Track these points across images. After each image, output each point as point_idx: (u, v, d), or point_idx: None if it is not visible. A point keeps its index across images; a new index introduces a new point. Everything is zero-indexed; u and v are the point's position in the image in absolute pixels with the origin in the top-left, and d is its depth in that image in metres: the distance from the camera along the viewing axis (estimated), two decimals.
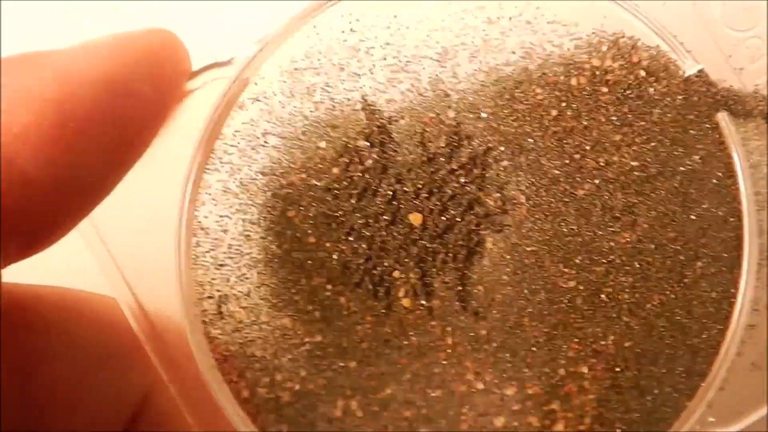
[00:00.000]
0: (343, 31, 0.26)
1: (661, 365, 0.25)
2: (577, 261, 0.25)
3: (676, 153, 0.25)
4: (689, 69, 0.25)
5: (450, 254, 0.25)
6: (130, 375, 0.27)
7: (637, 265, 0.25)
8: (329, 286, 0.25)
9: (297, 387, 0.25)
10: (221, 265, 0.26)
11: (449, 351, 0.25)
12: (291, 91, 0.26)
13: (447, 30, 0.25)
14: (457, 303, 0.25)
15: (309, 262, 0.25)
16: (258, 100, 0.26)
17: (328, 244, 0.25)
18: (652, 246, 0.25)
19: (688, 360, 0.25)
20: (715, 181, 0.25)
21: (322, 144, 0.26)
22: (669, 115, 0.25)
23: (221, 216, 0.26)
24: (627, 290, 0.25)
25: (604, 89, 0.25)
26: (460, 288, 0.25)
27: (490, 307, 0.25)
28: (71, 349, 0.26)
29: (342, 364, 0.25)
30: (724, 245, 0.25)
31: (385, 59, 0.26)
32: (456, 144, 0.25)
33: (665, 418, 0.25)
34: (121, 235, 0.26)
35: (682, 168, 0.25)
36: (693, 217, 0.25)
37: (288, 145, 0.26)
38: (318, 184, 0.25)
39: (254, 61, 0.26)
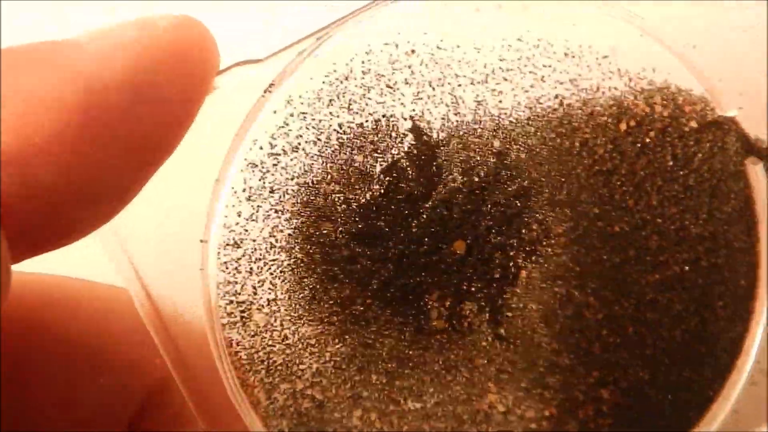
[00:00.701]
0: (386, 44, 0.25)
1: (678, 394, 0.26)
2: (607, 294, 0.25)
3: (710, 201, 0.26)
4: (728, 112, 0.26)
5: (487, 281, 0.25)
6: (138, 367, 0.27)
7: (664, 302, 0.25)
8: (360, 300, 0.25)
9: (319, 396, 0.26)
10: (249, 272, 0.25)
11: (474, 371, 0.26)
12: (330, 100, 0.25)
13: (498, 57, 0.25)
14: (489, 329, 0.25)
15: (341, 275, 0.25)
16: (293, 105, 0.25)
17: (365, 261, 0.25)
18: (681, 287, 0.26)
19: (702, 388, 0.26)
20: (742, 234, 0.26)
21: (359, 158, 0.25)
22: (707, 163, 0.25)
23: (247, 219, 0.25)
24: (651, 325, 0.25)
25: (651, 134, 0.25)
26: (492, 314, 0.25)
27: (519, 334, 0.25)
28: (70, 348, 0.25)
29: (364, 377, 0.26)
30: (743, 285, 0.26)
31: (431, 78, 0.25)
32: (500, 175, 0.25)
33: None
34: (139, 234, 0.25)
35: (716, 216, 0.26)
36: (719, 260, 0.26)
37: (323, 155, 0.25)
38: (354, 197, 0.25)
39: (292, 64, 0.25)
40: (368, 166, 0.26)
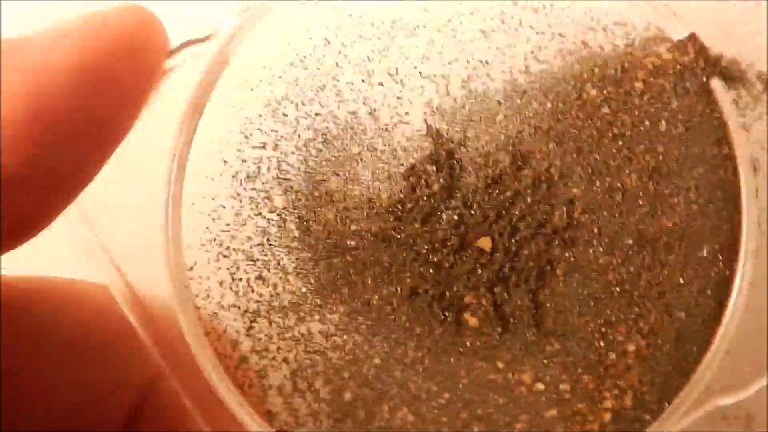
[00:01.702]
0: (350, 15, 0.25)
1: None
2: (626, 250, 0.25)
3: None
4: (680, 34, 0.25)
5: (522, 276, 0.25)
6: (130, 364, 0.27)
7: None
8: (388, 306, 0.25)
9: (348, 395, 0.25)
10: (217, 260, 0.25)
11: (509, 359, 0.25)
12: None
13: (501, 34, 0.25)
14: (532, 326, 0.25)
15: (362, 277, 0.25)
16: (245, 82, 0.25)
17: (389, 265, 0.25)
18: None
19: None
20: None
21: (377, 157, 0.25)
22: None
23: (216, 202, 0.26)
24: (659, 269, 0.25)
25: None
26: (534, 310, 0.25)
27: (562, 324, 0.25)
28: (63, 340, 0.25)
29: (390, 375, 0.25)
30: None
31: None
32: (521, 162, 0.25)
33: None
34: (108, 220, 0.25)
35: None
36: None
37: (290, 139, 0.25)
38: (373, 199, 0.25)
39: (234, 38, 0.25)
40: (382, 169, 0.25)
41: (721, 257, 0.25)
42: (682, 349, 0.25)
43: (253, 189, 0.26)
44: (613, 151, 0.25)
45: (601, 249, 0.25)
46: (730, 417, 0.29)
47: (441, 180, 0.25)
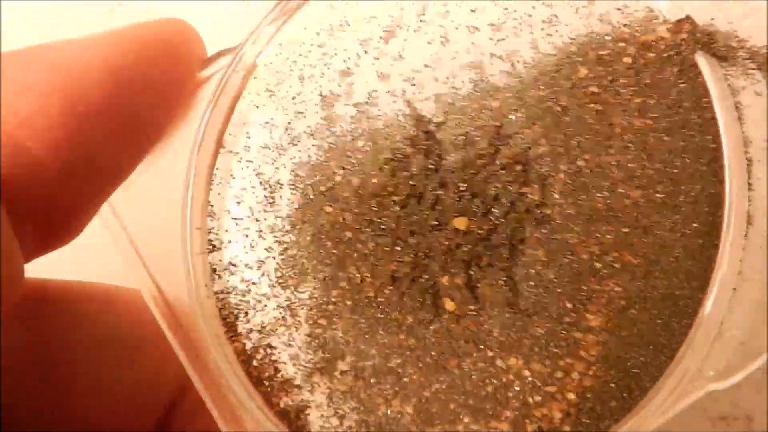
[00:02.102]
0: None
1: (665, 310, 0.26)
2: (603, 228, 0.25)
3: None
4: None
5: (495, 255, 0.25)
6: (164, 364, 0.27)
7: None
8: (370, 286, 0.25)
9: (340, 388, 0.26)
10: (252, 258, 0.26)
11: (494, 345, 0.25)
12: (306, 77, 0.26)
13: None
14: (506, 305, 0.25)
15: (349, 260, 0.25)
16: (268, 87, 0.26)
17: (372, 246, 0.25)
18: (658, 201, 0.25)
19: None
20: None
21: (360, 144, 0.26)
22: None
23: (239, 203, 0.26)
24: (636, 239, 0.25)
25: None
26: (507, 288, 0.25)
27: (537, 302, 0.25)
28: (101, 341, 0.26)
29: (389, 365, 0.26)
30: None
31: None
32: (499, 143, 0.25)
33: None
34: (145, 226, 0.26)
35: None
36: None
37: (321, 142, 0.26)
38: (358, 184, 0.25)
39: (253, 43, 0.26)
40: (370, 153, 0.26)
41: (703, 236, 0.25)
42: (663, 330, 0.25)
43: (271, 193, 0.26)
44: (596, 129, 0.25)
45: (576, 228, 0.25)
46: (729, 417, 0.30)
47: (421, 162, 0.25)
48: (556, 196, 0.25)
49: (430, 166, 0.25)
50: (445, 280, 0.25)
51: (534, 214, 0.25)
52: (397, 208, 0.25)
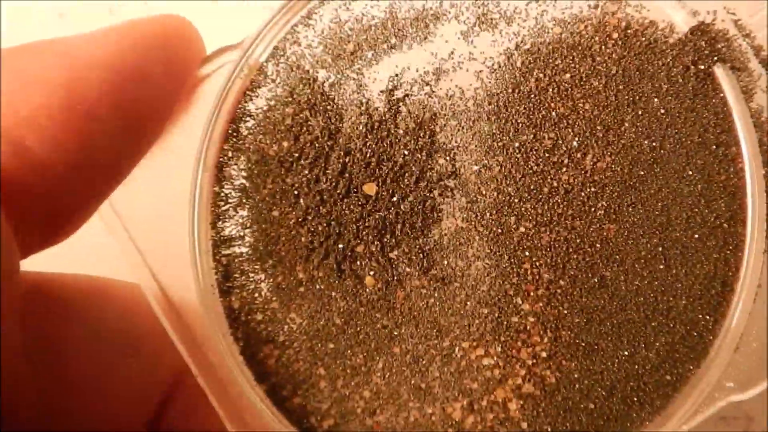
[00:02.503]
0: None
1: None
2: (539, 219, 0.25)
3: (672, 108, 0.24)
4: (690, 22, 0.25)
5: (407, 223, 0.25)
6: (160, 359, 0.27)
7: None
8: (300, 269, 0.25)
9: (298, 365, 0.26)
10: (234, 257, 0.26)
11: (416, 315, 0.25)
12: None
13: None
14: (419, 272, 0.25)
15: (271, 237, 0.26)
16: (267, 81, 0.26)
17: (283, 219, 0.25)
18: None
19: None
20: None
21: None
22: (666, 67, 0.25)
23: (220, 193, 0.26)
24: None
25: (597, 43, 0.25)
26: (421, 256, 0.25)
27: (456, 271, 0.25)
28: (97, 335, 0.26)
29: (332, 346, 0.26)
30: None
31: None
32: (398, 110, 0.25)
33: None
34: (144, 222, 0.26)
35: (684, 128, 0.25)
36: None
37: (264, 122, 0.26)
38: (271, 154, 0.25)
39: (264, 43, 0.26)
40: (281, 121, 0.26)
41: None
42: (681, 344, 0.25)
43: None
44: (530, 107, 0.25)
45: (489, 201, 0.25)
46: (729, 417, 0.30)
47: (320, 123, 0.25)
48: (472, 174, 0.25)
49: (330, 129, 0.25)
50: (360, 248, 0.25)
51: (445, 184, 0.25)
52: (306, 173, 0.25)
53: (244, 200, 0.26)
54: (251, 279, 0.26)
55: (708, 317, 0.24)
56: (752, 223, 0.24)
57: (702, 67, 0.24)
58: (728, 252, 0.24)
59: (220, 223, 0.26)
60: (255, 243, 0.26)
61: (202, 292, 0.26)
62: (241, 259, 0.26)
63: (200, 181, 0.26)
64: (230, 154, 0.26)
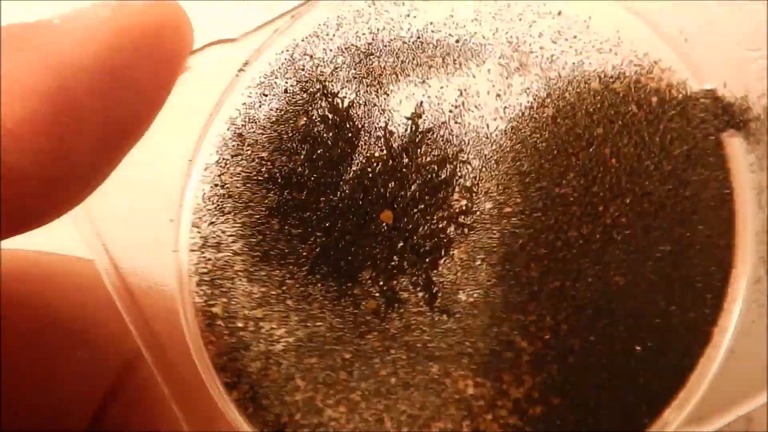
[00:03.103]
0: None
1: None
2: (548, 266, 0.25)
3: (679, 169, 0.25)
4: (699, 86, 0.25)
5: (418, 255, 0.25)
6: (109, 342, 0.27)
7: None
8: (292, 280, 0.25)
9: (275, 376, 0.25)
10: (216, 250, 0.25)
11: (414, 347, 0.25)
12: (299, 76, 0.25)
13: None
14: (424, 303, 0.25)
15: (272, 253, 0.25)
16: (265, 84, 0.25)
17: (292, 238, 0.25)
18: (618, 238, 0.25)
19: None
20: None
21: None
22: (675, 130, 0.25)
23: (219, 197, 0.25)
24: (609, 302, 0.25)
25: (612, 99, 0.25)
26: (428, 288, 0.25)
27: (457, 306, 0.25)
28: (45, 312, 0.25)
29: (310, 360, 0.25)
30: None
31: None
32: (421, 140, 0.25)
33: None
34: (111, 212, 0.25)
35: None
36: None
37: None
38: (281, 167, 0.25)
39: (266, 43, 0.25)
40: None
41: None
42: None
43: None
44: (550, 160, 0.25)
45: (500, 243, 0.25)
46: None
47: (339, 142, 0.25)
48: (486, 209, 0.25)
49: (346, 148, 0.25)
50: (366, 276, 0.25)
51: (461, 220, 0.25)
52: (319, 190, 0.25)
53: (239, 207, 0.25)
54: (236, 286, 0.25)
55: (687, 362, 0.25)
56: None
57: (721, 134, 0.25)
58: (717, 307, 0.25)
59: (207, 226, 0.25)
60: (247, 251, 0.25)
61: (179, 294, 0.25)
62: (226, 265, 0.25)
63: (189, 181, 0.25)
64: (228, 158, 0.25)
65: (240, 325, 0.25)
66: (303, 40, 0.25)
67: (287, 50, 0.25)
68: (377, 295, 0.25)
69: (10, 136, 0.18)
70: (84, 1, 0.21)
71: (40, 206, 0.20)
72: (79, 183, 0.21)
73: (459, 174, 0.25)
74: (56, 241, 0.26)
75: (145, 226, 0.25)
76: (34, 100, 0.19)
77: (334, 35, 0.25)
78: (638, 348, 0.25)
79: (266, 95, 0.25)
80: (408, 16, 0.25)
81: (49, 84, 0.19)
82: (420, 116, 0.25)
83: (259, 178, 0.25)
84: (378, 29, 0.25)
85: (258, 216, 0.25)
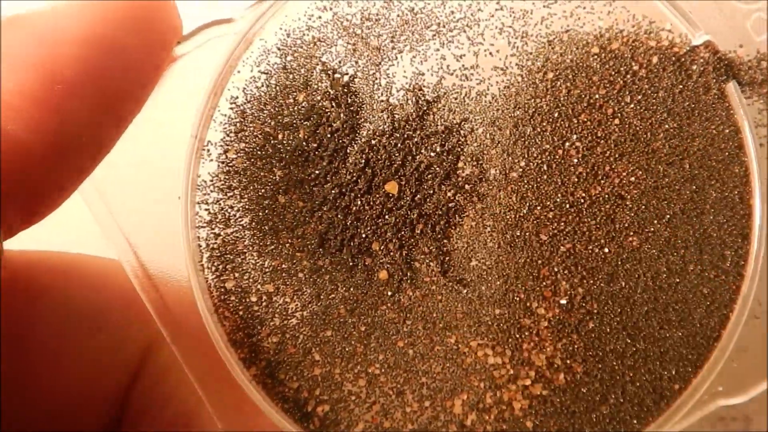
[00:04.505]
0: None
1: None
2: (559, 227, 0.25)
3: (681, 122, 0.25)
4: (696, 40, 0.25)
5: (429, 224, 0.25)
6: (127, 335, 0.27)
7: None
8: (301, 253, 0.25)
9: (292, 350, 0.25)
10: (225, 225, 0.26)
11: (430, 316, 0.25)
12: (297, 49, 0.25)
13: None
14: (436, 272, 0.25)
15: (280, 226, 0.25)
16: (264, 60, 0.25)
17: (300, 211, 0.25)
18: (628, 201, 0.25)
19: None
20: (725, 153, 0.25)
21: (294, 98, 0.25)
22: (676, 85, 0.25)
23: (224, 174, 0.26)
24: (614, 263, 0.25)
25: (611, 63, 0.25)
26: (440, 257, 0.25)
27: (473, 273, 0.25)
28: (63, 312, 0.26)
29: (329, 333, 0.25)
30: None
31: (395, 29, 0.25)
32: (426, 110, 0.25)
33: None
34: (124, 198, 0.25)
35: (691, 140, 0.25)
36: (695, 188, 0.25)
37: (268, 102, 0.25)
38: (285, 142, 0.25)
39: (261, 19, 0.25)
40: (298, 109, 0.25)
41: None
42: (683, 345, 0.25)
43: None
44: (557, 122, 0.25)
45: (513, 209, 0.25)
46: (728, 418, 0.30)
47: (342, 116, 0.25)
48: (495, 178, 0.25)
49: (351, 123, 0.25)
50: (376, 245, 0.25)
51: (470, 189, 0.25)
52: (324, 164, 0.25)
53: (245, 183, 0.25)
54: (247, 261, 0.25)
55: (713, 322, 0.25)
56: (758, 240, 0.25)
57: (721, 85, 0.25)
58: (738, 265, 0.25)
59: (214, 203, 0.26)
60: (256, 226, 0.25)
61: (192, 271, 0.25)
62: (236, 240, 0.25)
63: (194, 159, 0.25)
64: (231, 136, 0.25)
65: (253, 299, 0.25)
66: (298, 18, 0.25)
67: (282, 28, 0.25)
68: (389, 265, 0.25)
69: (6, 107, 0.19)
70: None
71: (45, 176, 0.21)
72: (79, 155, 0.22)
73: (463, 142, 0.25)
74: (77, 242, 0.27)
75: (157, 206, 0.26)
76: (27, 72, 0.20)
77: (329, 9, 0.25)
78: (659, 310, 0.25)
79: (265, 73, 0.25)
80: None
81: (40, 55, 0.20)
82: (421, 88, 0.25)
83: (264, 153, 0.25)
84: (372, 3, 0.25)
85: (264, 191, 0.25)
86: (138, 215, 0.25)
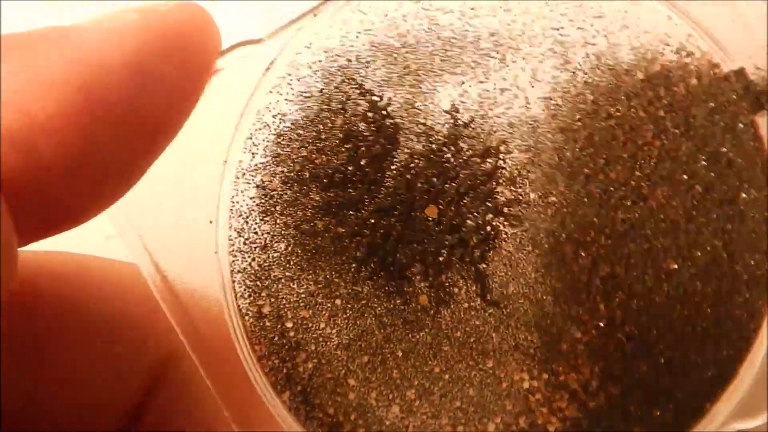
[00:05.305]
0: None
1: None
2: (599, 253, 0.25)
3: (710, 149, 0.25)
4: (727, 66, 0.25)
5: (467, 248, 0.25)
6: (149, 337, 0.27)
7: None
8: (340, 280, 0.25)
9: (329, 375, 0.25)
10: (262, 249, 0.25)
11: (467, 341, 0.25)
12: (327, 75, 0.25)
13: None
14: (476, 297, 0.25)
15: (319, 251, 0.25)
16: (292, 82, 0.25)
17: (338, 235, 0.25)
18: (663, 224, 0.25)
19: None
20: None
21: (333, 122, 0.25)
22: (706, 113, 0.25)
23: (255, 198, 0.25)
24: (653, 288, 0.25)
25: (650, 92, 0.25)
26: (479, 281, 0.25)
27: (506, 298, 0.25)
28: (80, 323, 0.26)
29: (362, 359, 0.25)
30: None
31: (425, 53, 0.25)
32: (464, 133, 0.25)
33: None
34: (151, 215, 0.25)
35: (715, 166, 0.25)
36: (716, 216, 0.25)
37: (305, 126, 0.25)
38: (323, 166, 0.25)
39: (291, 42, 0.25)
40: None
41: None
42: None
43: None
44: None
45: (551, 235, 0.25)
46: None
47: (381, 139, 0.25)
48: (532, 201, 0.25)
49: (389, 148, 0.25)
50: (415, 272, 0.25)
51: (508, 212, 0.25)
52: (362, 189, 0.25)
53: (281, 207, 0.25)
54: (284, 286, 0.25)
55: (738, 352, 0.25)
56: None
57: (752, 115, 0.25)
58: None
59: (248, 227, 0.25)
60: (291, 251, 0.25)
61: (226, 296, 0.25)
62: (272, 265, 0.25)
63: (224, 182, 0.25)
64: (267, 159, 0.25)
65: (289, 325, 0.25)
66: (334, 38, 0.25)
67: (315, 48, 0.25)
68: (427, 290, 0.25)
69: (42, 128, 0.19)
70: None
71: (71, 202, 0.21)
72: (110, 181, 0.21)
73: (502, 165, 0.25)
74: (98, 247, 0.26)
75: (186, 229, 0.26)
76: (65, 94, 0.19)
77: (368, 32, 0.25)
78: (693, 331, 0.25)
79: (301, 94, 0.25)
80: (431, 8, 0.25)
81: (80, 79, 0.19)
82: (457, 110, 0.25)
83: (301, 177, 0.25)
84: (410, 25, 0.25)
85: (302, 215, 0.25)
86: (166, 236, 0.25)
